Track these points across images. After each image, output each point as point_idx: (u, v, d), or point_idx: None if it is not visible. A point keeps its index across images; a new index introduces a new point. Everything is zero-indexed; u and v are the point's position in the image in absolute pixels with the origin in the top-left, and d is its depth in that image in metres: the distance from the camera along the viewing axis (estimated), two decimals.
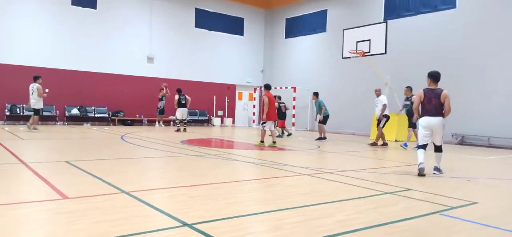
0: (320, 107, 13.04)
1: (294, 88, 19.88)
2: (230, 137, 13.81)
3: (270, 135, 10.75)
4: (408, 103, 11.39)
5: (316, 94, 13.58)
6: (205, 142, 11.42)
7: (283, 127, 14.80)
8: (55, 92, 16.63)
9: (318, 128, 13.20)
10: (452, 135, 13.99)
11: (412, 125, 11.16)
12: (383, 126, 11.44)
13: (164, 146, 9.73)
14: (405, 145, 10.87)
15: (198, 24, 20.68)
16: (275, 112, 10.83)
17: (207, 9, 20.95)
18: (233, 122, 21.99)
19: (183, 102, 15.19)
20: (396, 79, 15.29)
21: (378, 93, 11.88)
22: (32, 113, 12.75)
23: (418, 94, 6.59)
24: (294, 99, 19.70)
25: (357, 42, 14.89)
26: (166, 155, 8.15)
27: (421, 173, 6.19)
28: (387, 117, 11.48)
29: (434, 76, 6.52)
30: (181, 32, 20.12)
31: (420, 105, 6.52)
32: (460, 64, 14.19)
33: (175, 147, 9.56)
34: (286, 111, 15.20)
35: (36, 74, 12.95)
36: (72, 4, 17.04)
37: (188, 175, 5.87)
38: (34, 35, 16.20)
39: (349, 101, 17.73)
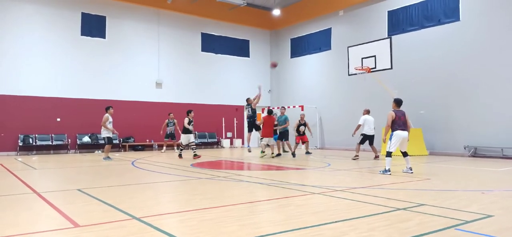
0: (285, 121, 14.11)
1: (302, 107, 19.90)
2: (240, 158, 13.80)
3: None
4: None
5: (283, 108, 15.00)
6: (215, 165, 11.43)
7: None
8: (66, 121, 16.94)
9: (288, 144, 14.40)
10: (465, 148, 13.80)
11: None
12: (360, 143, 12.80)
13: (174, 170, 9.76)
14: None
15: (205, 48, 21.00)
16: (266, 130, 13.25)
17: (212, 33, 21.30)
18: (243, 143, 22.00)
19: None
20: (404, 94, 15.21)
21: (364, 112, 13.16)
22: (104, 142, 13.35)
23: (390, 115, 8.39)
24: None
25: (362, 58, 14.97)
26: (176, 179, 8.16)
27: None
28: (363, 136, 12.78)
29: (400, 102, 8.68)
30: (188, 56, 20.44)
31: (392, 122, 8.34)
32: (467, 76, 14.12)
33: (185, 170, 9.58)
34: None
35: (107, 105, 13.59)
36: (82, 34, 17.49)
37: (199, 198, 5.86)
38: (44, 66, 16.59)
39: (358, 117, 17.64)
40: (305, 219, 4.34)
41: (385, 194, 5.93)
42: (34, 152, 16.24)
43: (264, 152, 13.53)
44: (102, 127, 12.78)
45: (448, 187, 6.70)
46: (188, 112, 13.27)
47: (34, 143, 16.14)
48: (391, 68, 14.30)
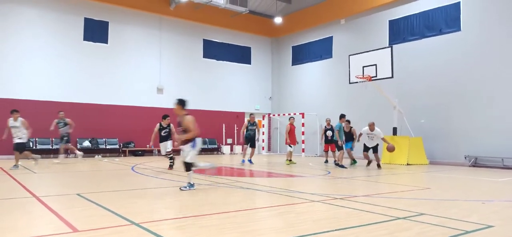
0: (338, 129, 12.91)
1: (303, 114, 19.93)
2: (240, 165, 13.78)
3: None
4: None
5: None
6: (215, 171, 11.38)
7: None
8: None
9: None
10: (465, 157, 13.77)
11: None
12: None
13: (174, 176, 9.74)
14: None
15: (206, 55, 21.07)
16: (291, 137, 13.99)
17: (214, 40, 21.39)
18: (243, 149, 21.94)
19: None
20: (404, 103, 15.27)
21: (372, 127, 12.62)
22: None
23: (193, 118, 6.96)
24: (303, 125, 19.70)
25: (363, 67, 14.99)
26: (176, 185, 8.14)
27: None
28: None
29: (186, 103, 7.07)
30: (189, 63, 20.50)
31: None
32: (468, 86, 14.14)
33: (185, 176, 9.55)
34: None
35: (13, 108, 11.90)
36: (84, 39, 17.56)
37: (198, 204, 5.84)
38: (46, 70, 16.64)
39: (358, 125, 17.63)
40: (306, 227, 4.33)
41: (385, 203, 5.91)
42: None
43: (291, 160, 14.04)
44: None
45: (448, 197, 6.68)
46: (163, 117, 11.79)
47: (34, 147, 16.12)
48: (392, 77, 14.32)
